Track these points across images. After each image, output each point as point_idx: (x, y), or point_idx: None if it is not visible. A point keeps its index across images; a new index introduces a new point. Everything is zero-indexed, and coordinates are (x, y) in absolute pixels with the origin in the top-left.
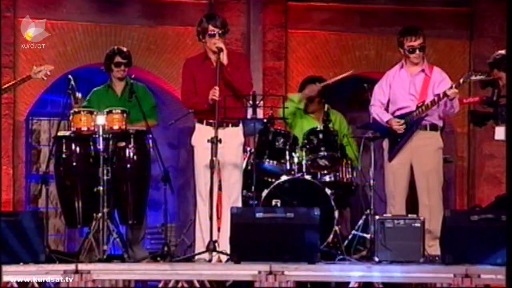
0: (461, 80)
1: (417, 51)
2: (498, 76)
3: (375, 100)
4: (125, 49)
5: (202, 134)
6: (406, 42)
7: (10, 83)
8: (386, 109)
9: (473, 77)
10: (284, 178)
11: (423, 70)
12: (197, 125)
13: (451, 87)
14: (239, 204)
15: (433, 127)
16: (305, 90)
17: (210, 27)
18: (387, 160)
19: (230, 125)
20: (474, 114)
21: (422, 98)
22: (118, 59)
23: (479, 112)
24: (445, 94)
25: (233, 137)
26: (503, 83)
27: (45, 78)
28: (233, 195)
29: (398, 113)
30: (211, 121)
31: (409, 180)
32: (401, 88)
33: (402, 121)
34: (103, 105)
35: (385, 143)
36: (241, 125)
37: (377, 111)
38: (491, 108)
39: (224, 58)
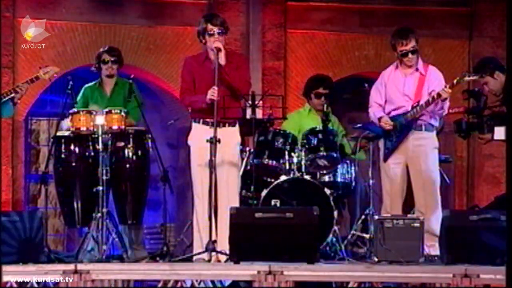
0: (454, 81)
1: (410, 55)
2: (484, 82)
3: (372, 102)
4: (115, 48)
5: (198, 133)
6: (398, 47)
7: (20, 84)
8: (383, 110)
9: (467, 78)
10: (283, 178)
11: (417, 70)
12: (194, 125)
13: (444, 87)
14: (237, 204)
15: (429, 127)
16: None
17: (209, 26)
18: (382, 160)
19: (227, 125)
20: (460, 125)
21: (417, 98)
22: (105, 56)
23: (465, 123)
24: (438, 94)
25: (230, 137)
26: (489, 88)
27: (51, 80)
28: (230, 195)
29: (393, 113)
30: (207, 120)
31: (405, 180)
32: (395, 88)
33: (390, 122)
34: (92, 103)
35: (381, 143)
36: (237, 125)
37: (373, 111)
38: (475, 118)
39: (222, 58)
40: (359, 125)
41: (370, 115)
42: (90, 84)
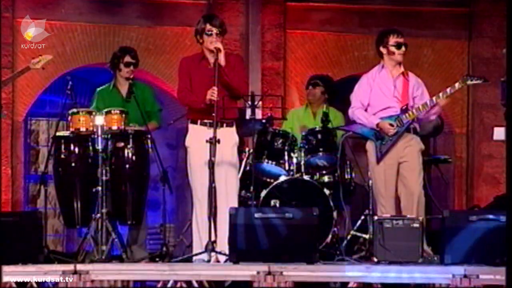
0: (448, 90)
1: (403, 47)
2: None
3: (356, 102)
4: (135, 49)
5: (196, 134)
6: (392, 38)
7: (9, 76)
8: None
9: (469, 82)
10: (283, 178)
11: (402, 73)
12: (191, 126)
13: (445, 96)
14: (235, 204)
15: (415, 130)
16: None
17: (208, 26)
18: (375, 162)
19: (224, 125)
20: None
21: (404, 101)
22: (128, 58)
23: None
24: (436, 102)
25: (228, 137)
26: None
27: (43, 68)
28: (229, 195)
29: (380, 114)
30: (205, 121)
31: (396, 181)
32: (385, 89)
33: (394, 123)
34: (109, 106)
35: (370, 146)
36: (235, 125)
37: (363, 114)
38: None
39: (222, 59)
40: (341, 127)
41: (357, 116)
42: (103, 87)
